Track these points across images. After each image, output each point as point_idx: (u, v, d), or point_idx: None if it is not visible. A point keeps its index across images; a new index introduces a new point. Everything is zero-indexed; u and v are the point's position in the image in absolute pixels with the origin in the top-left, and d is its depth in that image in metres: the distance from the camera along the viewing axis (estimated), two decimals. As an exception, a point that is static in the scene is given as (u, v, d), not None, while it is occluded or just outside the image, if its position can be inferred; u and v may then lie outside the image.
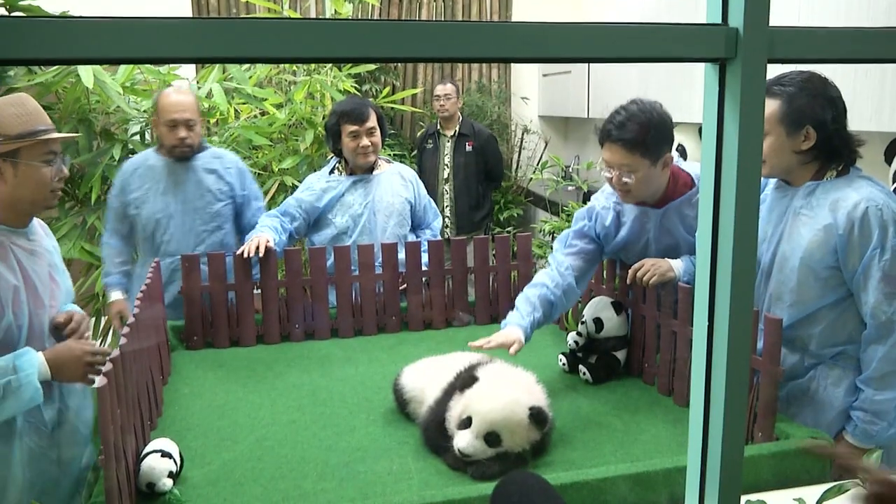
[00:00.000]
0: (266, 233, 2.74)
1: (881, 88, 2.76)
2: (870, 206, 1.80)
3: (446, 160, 4.98)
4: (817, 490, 1.28)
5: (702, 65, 1.00)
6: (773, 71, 1.01)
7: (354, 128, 2.91)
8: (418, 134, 5.52)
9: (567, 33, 0.88)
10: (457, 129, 4.97)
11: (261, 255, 2.61)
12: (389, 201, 3.02)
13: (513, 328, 2.14)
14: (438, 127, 5.03)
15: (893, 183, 2.76)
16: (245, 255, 2.60)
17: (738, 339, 1.02)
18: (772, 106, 1.88)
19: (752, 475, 1.62)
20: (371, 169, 3.02)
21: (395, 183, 3.06)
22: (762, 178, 2.05)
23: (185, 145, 2.93)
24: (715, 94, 0.99)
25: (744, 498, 1.26)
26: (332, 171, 3.04)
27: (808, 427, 1.82)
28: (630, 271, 2.21)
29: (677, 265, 2.16)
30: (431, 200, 3.22)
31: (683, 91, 3.87)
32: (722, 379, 1.03)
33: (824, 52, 1.06)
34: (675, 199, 2.18)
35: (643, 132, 2.04)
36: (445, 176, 5.00)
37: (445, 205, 5.02)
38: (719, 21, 0.97)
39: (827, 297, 1.89)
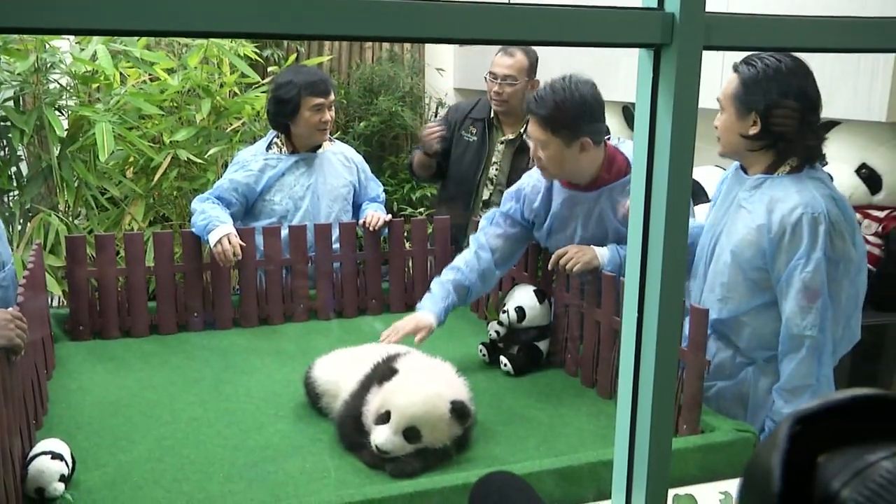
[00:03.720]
0: (228, 226, 2.64)
1: (830, 77, 2.89)
2: (805, 212, 1.85)
3: (493, 172, 3.24)
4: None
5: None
6: (712, 57, 1.07)
7: (319, 101, 2.80)
8: (444, 108, 3.86)
9: (496, 14, 0.91)
10: (521, 131, 3.13)
11: (238, 257, 2.59)
12: (334, 184, 2.94)
13: (425, 314, 2.19)
14: (491, 115, 3.25)
15: None
16: (224, 264, 2.59)
17: (667, 330, 1.08)
18: (732, 83, 1.97)
19: (677, 469, 1.71)
20: (317, 147, 2.95)
21: (338, 163, 2.99)
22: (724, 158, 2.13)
23: None
24: (649, 81, 1.04)
25: (671, 492, 1.33)
26: (269, 147, 2.92)
27: (732, 419, 1.93)
28: (553, 257, 2.28)
29: (602, 253, 2.22)
30: (373, 177, 3.12)
31: (609, 69, 3.97)
32: (650, 371, 1.09)
33: (763, 41, 1.13)
34: (608, 184, 2.25)
35: (557, 110, 2.11)
36: (487, 195, 3.25)
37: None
38: (655, 5, 1.01)
39: (756, 298, 1.97)
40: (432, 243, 2.92)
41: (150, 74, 3.91)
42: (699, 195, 3.10)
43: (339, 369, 2.00)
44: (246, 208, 2.89)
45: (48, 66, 3.49)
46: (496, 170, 3.22)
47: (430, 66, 6.23)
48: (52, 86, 3.58)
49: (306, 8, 0.79)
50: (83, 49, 3.57)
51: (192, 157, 3.78)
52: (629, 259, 1.10)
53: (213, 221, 2.64)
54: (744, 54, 1.99)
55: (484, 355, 2.38)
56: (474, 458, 1.80)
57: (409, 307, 2.85)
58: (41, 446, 1.60)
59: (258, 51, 4.56)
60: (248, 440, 1.88)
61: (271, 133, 2.97)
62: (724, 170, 3.29)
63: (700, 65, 1.01)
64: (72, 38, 3.78)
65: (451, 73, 6.23)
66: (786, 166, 1.97)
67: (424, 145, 3.24)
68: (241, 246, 2.60)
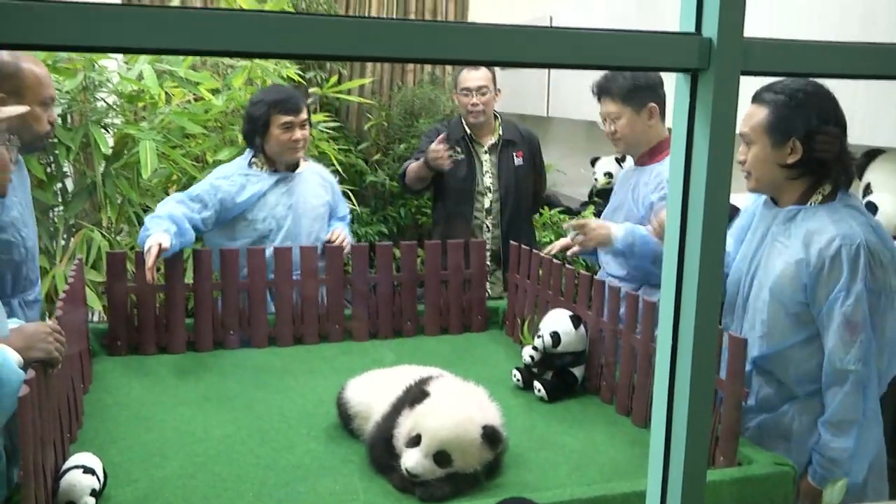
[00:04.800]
0: (158, 233, 2.55)
1: (853, 100, 2.86)
2: (844, 244, 1.83)
3: (487, 180, 3.63)
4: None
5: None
6: (750, 82, 1.06)
7: (288, 119, 2.84)
8: (426, 130, 4.14)
9: (536, 38, 0.91)
10: (499, 134, 3.65)
11: (152, 262, 2.47)
12: (313, 203, 2.98)
13: None
14: (466, 129, 3.64)
15: (865, 196, 2.87)
16: (147, 266, 2.47)
17: (702, 358, 1.06)
18: (759, 114, 1.94)
19: (713, 501, 1.68)
20: (295, 166, 2.98)
21: (316, 183, 3.04)
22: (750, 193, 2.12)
23: None
24: (686, 105, 1.03)
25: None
26: (249, 165, 2.94)
27: (771, 452, 1.89)
28: (573, 225, 2.52)
29: (617, 231, 2.39)
30: (342, 197, 3.21)
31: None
32: (685, 400, 1.07)
33: (799, 66, 1.12)
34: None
35: (627, 80, 2.55)
36: (488, 205, 3.63)
37: (488, 243, 3.64)
38: (693, 30, 1.01)
39: (799, 333, 1.93)
40: (467, 265, 2.92)
41: (194, 94, 3.99)
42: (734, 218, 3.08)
43: (371, 391, 2.00)
44: (219, 216, 2.84)
45: (96, 84, 3.57)
46: (490, 177, 3.61)
47: (471, 88, 6.25)
48: (98, 104, 3.65)
49: (345, 30, 0.80)
50: (130, 69, 3.65)
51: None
52: (664, 286, 1.08)
53: (157, 227, 2.57)
54: (757, 85, 1.96)
55: (518, 380, 2.36)
56: (505, 483, 1.78)
57: (444, 329, 2.86)
58: (74, 460, 1.62)
59: (301, 73, 4.62)
60: (279, 459, 1.88)
61: (249, 152, 2.99)
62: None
63: (738, 90, 1.00)
64: (119, 57, 3.87)
65: (491, 96, 6.24)
66: (818, 195, 1.94)
67: (434, 162, 3.40)
68: (161, 249, 2.48)
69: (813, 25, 2.95)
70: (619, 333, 2.23)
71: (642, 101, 2.58)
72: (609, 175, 4.37)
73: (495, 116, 3.71)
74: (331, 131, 4.66)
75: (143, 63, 3.61)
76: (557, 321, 2.31)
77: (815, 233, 1.88)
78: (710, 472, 1.76)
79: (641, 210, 2.59)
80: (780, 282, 1.92)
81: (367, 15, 5.80)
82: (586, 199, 4.64)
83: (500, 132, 3.66)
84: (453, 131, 3.64)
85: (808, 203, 1.95)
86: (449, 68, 6.17)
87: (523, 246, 2.82)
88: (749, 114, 1.97)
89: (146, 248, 2.51)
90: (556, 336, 2.28)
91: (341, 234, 2.93)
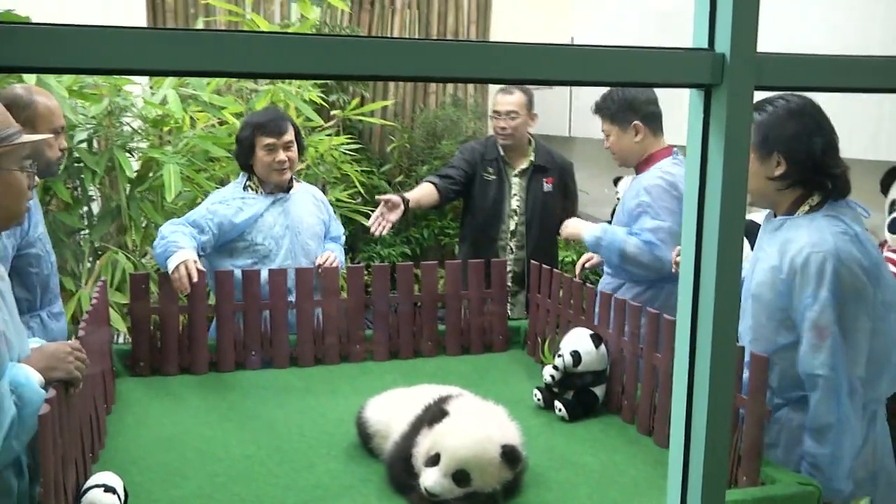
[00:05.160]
0: (188, 251, 2.62)
1: (879, 116, 2.85)
2: (812, 253, 1.87)
3: (514, 203, 3.65)
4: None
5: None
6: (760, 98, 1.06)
7: (270, 141, 2.86)
8: (461, 145, 4.15)
9: (549, 55, 0.92)
10: (531, 159, 3.66)
11: (194, 281, 2.55)
12: (309, 222, 3.01)
13: None
14: (500, 152, 3.66)
15: (891, 213, 2.84)
16: (182, 291, 2.56)
17: (720, 375, 1.05)
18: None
19: (734, 520, 1.66)
20: (289, 187, 3.00)
21: (310, 203, 3.06)
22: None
23: None
24: (700, 121, 1.03)
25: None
26: (245, 189, 2.97)
27: (795, 472, 1.86)
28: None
29: (588, 228, 2.90)
30: (335, 217, 3.22)
31: (672, 112, 3.95)
32: (703, 418, 1.06)
33: (814, 80, 1.11)
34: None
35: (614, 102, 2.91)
36: (513, 227, 3.66)
37: (511, 264, 3.68)
38: (706, 46, 1.01)
39: (781, 338, 1.95)
40: (487, 285, 2.92)
41: (218, 118, 4.03)
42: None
43: (390, 410, 2.00)
44: (218, 240, 2.86)
45: (120, 109, 3.63)
46: (517, 201, 3.64)
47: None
48: (124, 129, 3.71)
49: (369, 50, 0.81)
50: (154, 93, 3.71)
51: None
52: (680, 300, 1.08)
53: (171, 247, 2.61)
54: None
55: (538, 399, 2.35)
56: (524, 503, 1.77)
57: (465, 349, 2.85)
58: (95, 479, 1.63)
59: (324, 95, 4.67)
60: (299, 479, 1.88)
61: (243, 175, 3.02)
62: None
63: (751, 105, 1.00)
64: (144, 82, 3.93)
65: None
66: (805, 206, 1.99)
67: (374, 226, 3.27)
68: (200, 271, 2.57)
69: (829, 40, 2.95)
70: (640, 352, 2.22)
71: (627, 120, 2.89)
72: (631, 194, 4.35)
73: (529, 141, 3.71)
74: (353, 153, 4.70)
75: (168, 88, 3.67)
76: (578, 340, 2.30)
77: (789, 241, 1.93)
78: (732, 491, 1.74)
79: (625, 216, 2.93)
80: (760, 289, 1.98)
81: (390, 26, 5.85)
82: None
83: (533, 157, 3.66)
84: (488, 151, 3.68)
85: (797, 213, 1.99)
86: (471, 90, 6.20)
87: (544, 266, 2.81)
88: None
89: (181, 263, 2.55)
90: (576, 355, 2.27)
91: (329, 255, 2.94)
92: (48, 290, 2.51)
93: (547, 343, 2.57)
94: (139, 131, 3.78)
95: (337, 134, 4.89)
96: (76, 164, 3.51)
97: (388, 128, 5.95)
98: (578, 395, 2.29)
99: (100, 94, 3.58)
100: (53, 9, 3.20)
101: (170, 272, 2.58)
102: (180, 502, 1.76)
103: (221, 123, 4.12)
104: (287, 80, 4.17)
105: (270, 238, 2.91)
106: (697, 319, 1.06)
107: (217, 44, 0.74)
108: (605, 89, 2.99)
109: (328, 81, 4.98)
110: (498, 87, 3.69)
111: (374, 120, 5.34)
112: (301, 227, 2.97)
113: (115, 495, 1.61)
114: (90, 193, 3.67)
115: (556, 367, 2.31)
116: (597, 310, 2.44)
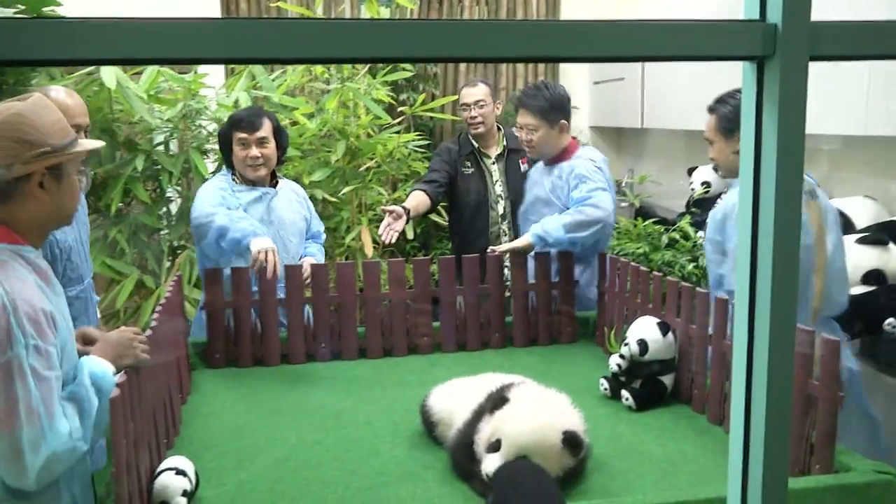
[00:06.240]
0: (268, 239, 2.65)
1: (866, 93, 2.89)
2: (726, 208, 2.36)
3: (498, 189, 3.75)
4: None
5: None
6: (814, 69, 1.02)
7: (244, 136, 2.85)
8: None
9: (597, 31, 0.91)
10: (503, 144, 3.78)
11: (278, 272, 2.58)
12: (293, 219, 3.00)
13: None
14: (474, 143, 3.76)
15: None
16: (268, 275, 2.56)
17: (779, 357, 1.02)
18: (712, 120, 2.45)
19: (807, 509, 1.62)
20: (274, 183, 3.00)
21: (293, 199, 3.05)
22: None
23: None
24: (753, 94, 1.01)
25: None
26: (233, 181, 2.95)
27: (871, 460, 1.80)
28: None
29: (528, 237, 2.89)
30: (316, 214, 3.20)
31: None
32: (763, 401, 1.03)
33: (872, 48, 1.07)
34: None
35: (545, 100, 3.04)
36: (502, 211, 3.74)
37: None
38: (757, 16, 0.98)
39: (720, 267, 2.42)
40: (555, 276, 2.90)
41: (289, 119, 4.11)
42: (848, 226, 2.99)
43: (454, 398, 2.01)
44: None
45: (195, 112, 3.73)
46: (500, 185, 3.76)
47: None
48: (198, 131, 3.81)
49: (436, 32, 0.81)
50: (227, 95, 3.80)
51: (327, 197, 3.94)
52: (738, 279, 1.05)
53: (248, 231, 2.65)
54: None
55: (605, 389, 2.33)
56: (587, 490, 1.76)
57: (532, 341, 2.85)
58: (167, 463, 1.69)
59: (393, 94, 4.70)
60: (364, 465, 1.91)
61: (225, 170, 3.03)
62: (875, 200, 3.17)
63: (806, 77, 0.97)
64: (217, 84, 4.03)
65: (585, 111, 6.21)
66: None
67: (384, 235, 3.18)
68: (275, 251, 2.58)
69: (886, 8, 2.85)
70: (710, 340, 2.17)
71: (556, 118, 3.03)
72: (707, 184, 4.25)
73: (498, 128, 3.86)
74: (423, 150, 4.72)
75: (240, 90, 3.75)
76: (644, 329, 2.27)
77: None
78: (804, 479, 1.69)
79: (563, 201, 3.02)
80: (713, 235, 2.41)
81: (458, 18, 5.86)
82: (683, 209, 4.54)
83: (504, 142, 3.80)
84: (462, 147, 3.80)
85: None
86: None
87: (611, 256, 2.78)
88: (707, 123, 2.48)
89: (269, 249, 2.56)
90: (643, 344, 2.24)
91: (307, 269, 2.84)
92: (57, 275, 2.46)
93: (613, 332, 2.54)
94: (213, 133, 3.88)
95: (407, 131, 4.92)
96: (154, 167, 3.63)
97: (459, 124, 5.94)
98: (646, 385, 2.26)
99: (175, 98, 3.69)
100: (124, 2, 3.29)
101: (254, 251, 2.57)
102: (249, 485, 1.80)
103: (293, 123, 4.19)
104: (356, 80, 4.22)
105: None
106: (755, 298, 1.03)
107: (284, 31, 0.76)
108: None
109: (397, 80, 5.00)
110: (463, 83, 4.08)
111: (444, 116, 5.33)
112: (284, 224, 2.96)
113: (186, 478, 1.66)
114: (168, 195, 3.78)
115: (622, 356, 2.28)
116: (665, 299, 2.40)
